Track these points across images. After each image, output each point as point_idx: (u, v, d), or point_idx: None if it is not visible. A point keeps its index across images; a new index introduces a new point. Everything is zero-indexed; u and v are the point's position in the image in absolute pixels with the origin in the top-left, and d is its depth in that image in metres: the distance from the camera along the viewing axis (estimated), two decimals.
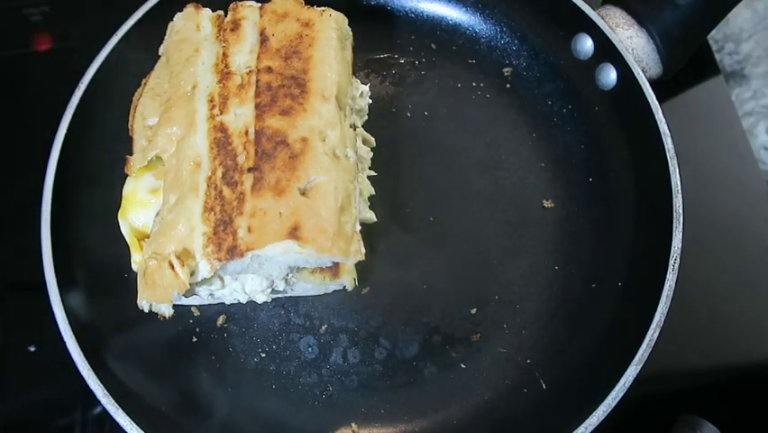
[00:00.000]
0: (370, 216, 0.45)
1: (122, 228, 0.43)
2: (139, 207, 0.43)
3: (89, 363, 0.42)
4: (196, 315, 0.49)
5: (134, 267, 0.42)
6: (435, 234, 0.52)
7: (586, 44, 0.52)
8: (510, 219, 0.53)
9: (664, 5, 0.51)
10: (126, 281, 0.48)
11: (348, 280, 0.45)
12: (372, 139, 0.49)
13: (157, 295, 0.38)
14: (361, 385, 0.48)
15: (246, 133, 0.39)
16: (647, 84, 0.49)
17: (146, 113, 0.43)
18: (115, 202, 0.46)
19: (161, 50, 0.45)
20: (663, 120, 0.47)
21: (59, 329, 0.42)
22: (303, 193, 0.38)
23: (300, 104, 0.40)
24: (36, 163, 0.47)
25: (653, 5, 0.51)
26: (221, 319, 0.49)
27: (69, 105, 0.47)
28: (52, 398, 0.51)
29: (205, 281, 0.40)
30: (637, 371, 0.42)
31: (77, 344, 0.42)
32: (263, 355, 0.49)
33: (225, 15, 0.45)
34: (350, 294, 0.49)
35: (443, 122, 0.56)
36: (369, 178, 0.48)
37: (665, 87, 0.52)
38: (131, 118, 0.44)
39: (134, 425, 0.41)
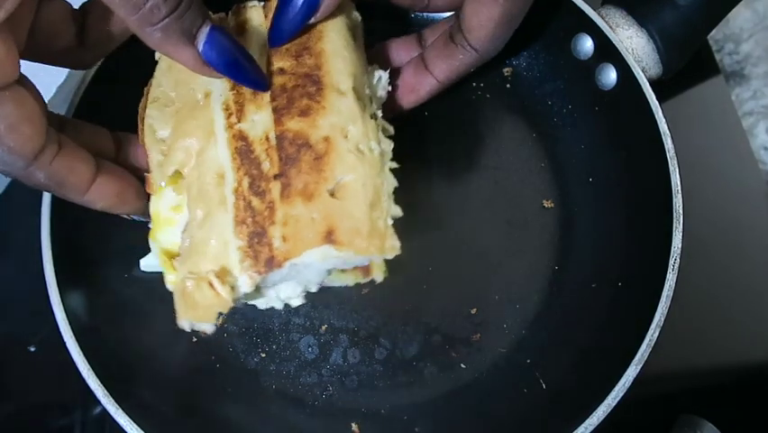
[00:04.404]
0: (396, 212, 0.43)
1: (153, 251, 0.42)
2: (166, 227, 0.41)
3: (89, 363, 0.42)
4: None
5: (169, 287, 0.41)
6: (435, 235, 0.52)
7: (586, 44, 0.52)
8: (510, 219, 0.53)
9: (664, 5, 0.51)
10: (126, 282, 0.48)
11: (379, 274, 0.43)
12: (390, 128, 0.47)
13: (199, 315, 0.37)
14: (361, 385, 0.48)
15: (267, 138, 0.38)
16: (647, 84, 0.49)
17: (156, 125, 0.41)
18: None
19: (158, 53, 0.44)
20: (663, 120, 0.47)
21: (59, 329, 0.42)
22: (332, 194, 0.36)
23: (318, 102, 0.38)
24: None
25: (653, 5, 0.51)
26: (221, 319, 0.49)
27: (70, 105, 0.47)
28: (52, 398, 0.51)
29: (246, 296, 0.39)
30: (637, 371, 0.42)
31: (77, 344, 0.42)
32: (263, 355, 0.49)
33: (227, 15, 0.44)
34: (350, 294, 0.49)
35: (443, 122, 0.56)
36: (391, 170, 0.45)
37: (665, 87, 0.52)
38: (140, 132, 0.42)
39: (134, 425, 0.41)
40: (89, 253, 0.47)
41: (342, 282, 0.44)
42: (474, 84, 0.57)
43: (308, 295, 0.50)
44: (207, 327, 0.39)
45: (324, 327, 0.50)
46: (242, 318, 0.50)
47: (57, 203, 0.45)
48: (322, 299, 0.50)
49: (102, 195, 0.39)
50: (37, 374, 0.52)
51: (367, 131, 0.40)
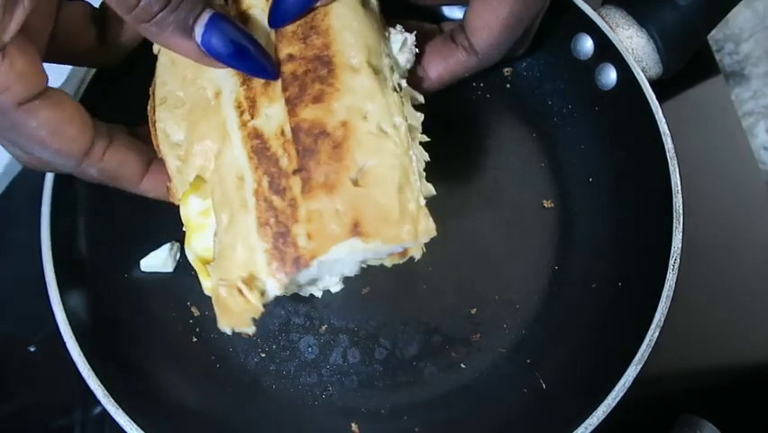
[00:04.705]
0: (429, 190, 0.40)
1: (189, 258, 0.41)
2: (198, 232, 0.40)
3: (89, 363, 0.42)
4: (196, 315, 0.49)
5: (207, 293, 0.40)
6: (435, 234, 0.52)
7: (586, 44, 0.52)
8: (510, 219, 0.53)
9: (664, 5, 0.51)
10: (126, 281, 0.48)
11: (417, 253, 0.40)
12: (420, 96, 0.43)
13: (234, 321, 0.36)
14: (361, 385, 0.48)
15: (282, 132, 0.36)
16: (647, 84, 0.49)
17: (168, 129, 0.39)
18: (115, 201, 0.45)
19: (156, 48, 0.41)
20: (663, 120, 0.47)
21: (59, 329, 0.42)
22: (355, 183, 0.34)
23: (330, 84, 0.36)
24: None
25: (653, 5, 0.51)
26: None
27: None
28: (52, 398, 0.51)
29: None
30: (637, 371, 0.42)
31: (77, 344, 0.42)
32: (263, 355, 0.49)
33: (226, 2, 0.41)
34: (350, 294, 0.49)
35: (443, 122, 0.56)
36: (422, 144, 0.42)
37: (665, 87, 0.52)
38: (153, 137, 0.40)
39: (134, 425, 0.41)
40: (89, 253, 0.47)
41: (379, 262, 0.42)
42: (474, 84, 0.57)
43: (308, 295, 0.50)
44: (249, 330, 0.38)
45: (324, 327, 0.50)
46: None
47: (57, 203, 0.45)
48: (322, 298, 0.50)
49: (154, 185, 0.40)
50: (37, 374, 0.52)
51: (389, 106, 0.37)
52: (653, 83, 0.50)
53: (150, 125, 0.41)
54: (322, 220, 0.34)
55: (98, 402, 0.41)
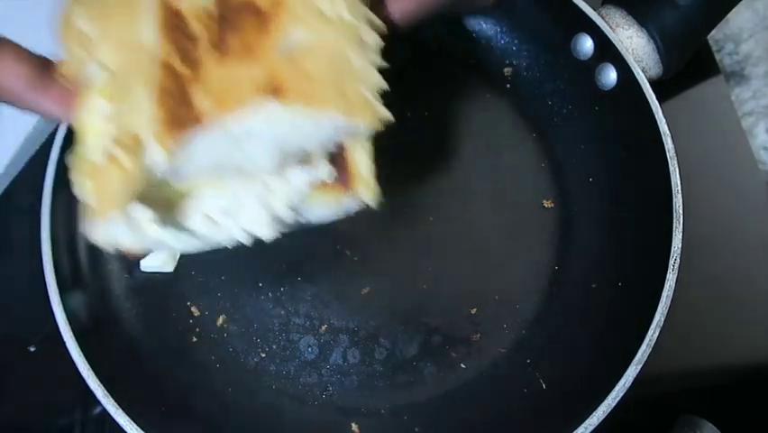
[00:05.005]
0: (384, 114, 0.33)
1: (71, 165, 0.32)
2: (94, 137, 0.31)
3: (89, 363, 0.42)
4: (196, 315, 0.49)
5: (82, 197, 0.31)
6: (435, 234, 0.52)
7: (586, 44, 0.52)
8: (510, 219, 0.53)
9: (664, 5, 0.51)
10: (127, 281, 0.48)
11: (366, 191, 0.34)
12: (382, 24, 0.37)
13: (104, 203, 0.29)
14: (361, 385, 0.48)
15: (205, 12, 0.31)
16: (647, 84, 0.49)
17: (78, 21, 0.33)
18: None
19: None
20: (663, 120, 0.47)
21: (59, 329, 0.42)
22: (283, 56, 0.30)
23: None
24: (36, 162, 0.47)
25: (653, 5, 0.51)
26: (221, 319, 0.49)
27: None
28: (52, 398, 0.51)
29: (178, 197, 0.32)
30: (637, 371, 0.42)
31: (77, 344, 0.42)
32: (263, 355, 0.49)
33: None
34: (350, 294, 0.49)
35: (443, 122, 0.56)
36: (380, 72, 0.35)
37: (665, 87, 0.52)
38: (58, 30, 0.34)
39: (134, 425, 0.41)
40: (89, 253, 0.47)
41: (321, 207, 0.36)
42: (474, 84, 0.57)
43: (308, 295, 0.50)
44: (126, 239, 0.31)
45: (324, 327, 0.50)
46: (243, 318, 0.50)
47: (57, 203, 0.45)
48: (322, 299, 0.50)
49: (52, 100, 0.33)
50: (37, 374, 0.52)
51: None
52: (653, 83, 0.50)
53: (61, 23, 0.35)
54: (234, 82, 0.29)
55: (98, 402, 0.41)
